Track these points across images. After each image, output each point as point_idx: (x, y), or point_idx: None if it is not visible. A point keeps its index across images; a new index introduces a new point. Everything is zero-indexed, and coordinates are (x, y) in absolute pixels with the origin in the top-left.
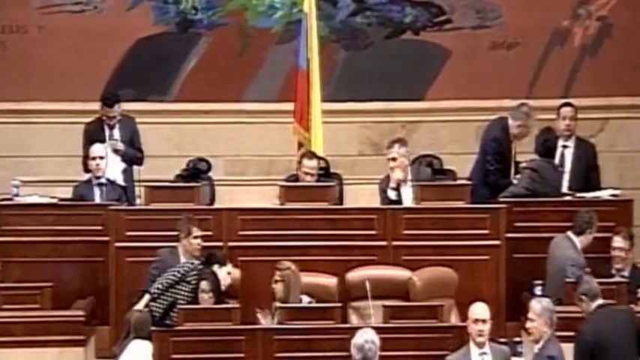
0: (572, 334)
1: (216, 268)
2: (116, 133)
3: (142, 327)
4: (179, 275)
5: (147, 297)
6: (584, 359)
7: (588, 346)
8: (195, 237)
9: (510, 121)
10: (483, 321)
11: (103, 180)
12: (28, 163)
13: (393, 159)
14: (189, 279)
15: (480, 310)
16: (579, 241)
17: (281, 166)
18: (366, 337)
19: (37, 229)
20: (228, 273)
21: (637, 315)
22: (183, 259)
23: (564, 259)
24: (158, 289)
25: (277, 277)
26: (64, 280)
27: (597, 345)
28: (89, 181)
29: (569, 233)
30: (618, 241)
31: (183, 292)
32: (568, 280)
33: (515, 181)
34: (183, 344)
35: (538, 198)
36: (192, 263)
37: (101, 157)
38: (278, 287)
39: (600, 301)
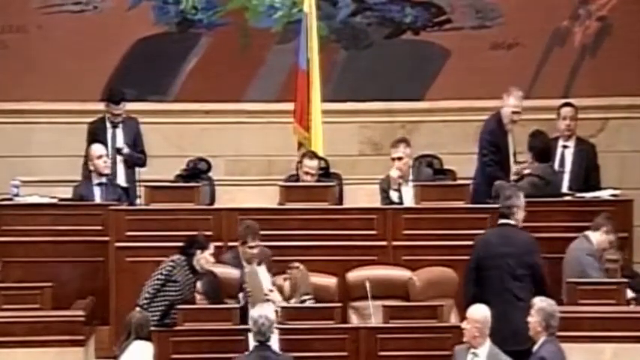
0: (572, 334)
1: (198, 253)
2: (119, 133)
3: (143, 328)
4: (163, 277)
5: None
6: (471, 263)
7: (475, 251)
8: (251, 247)
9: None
10: (467, 320)
11: (103, 180)
12: (28, 163)
13: (399, 158)
14: (174, 278)
15: (471, 308)
16: (594, 238)
17: (281, 166)
18: (260, 312)
19: (37, 229)
20: (211, 254)
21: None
22: (245, 263)
23: (579, 252)
24: (146, 298)
25: (285, 276)
26: (64, 280)
27: (483, 253)
28: (89, 180)
29: (587, 232)
30: (613, 254)
31: (173, 292)
32: (569, 280)
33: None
34: (183, 344)
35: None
36: (172, 261)
37: (106, 155)
38: (285, 285)
39: (504, 221)
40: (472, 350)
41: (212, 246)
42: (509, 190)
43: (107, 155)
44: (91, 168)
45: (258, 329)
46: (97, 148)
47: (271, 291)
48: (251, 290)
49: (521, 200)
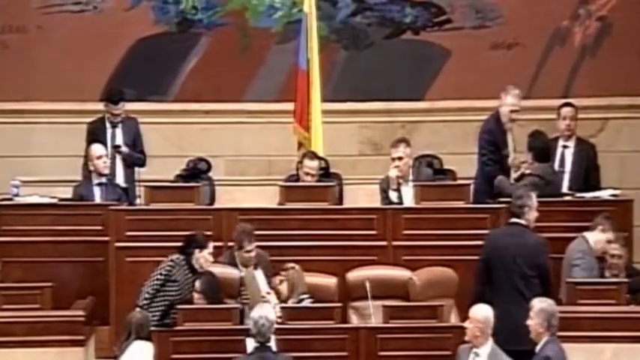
0: (571, 334)
1: (196, 252)
2: (118, 133)
3: (143, 328)
4: (162, 278)
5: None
6: (480, 262)
7: (485, 250)
8: (247, 251)
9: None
10: (469, 319)
11: (103, 180)
12: (28, 163)
13: (400, 158)
14: (173, 277)
15: (474, 308)
16: (591, 237)
17: (281, 166)
18: (260, 313)
19: (37, 229)
20: (210, 253)
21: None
22: (241, 267)
23: (572, 252)
24: (146, 299)
25: (281, 277)
26: (64, 280)
27: (491, 252)
28: (89, 180)
29: (584, 233)
30: (617, 249)
31: (173, 292)
32: (569, 280)
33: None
34: (183, 344)
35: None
36: (171, 260)
37: (105, 155)
38: (282, 287)
39: (515, 220)
40: (474, 350)
41: (211, 245)
42: (521, 190)
43: (107, 155)
44: (91, 168)
45: (259, 330)
46: (97, 149)
47: (268, 293)
48: (248, 294)
49: (532, 200)
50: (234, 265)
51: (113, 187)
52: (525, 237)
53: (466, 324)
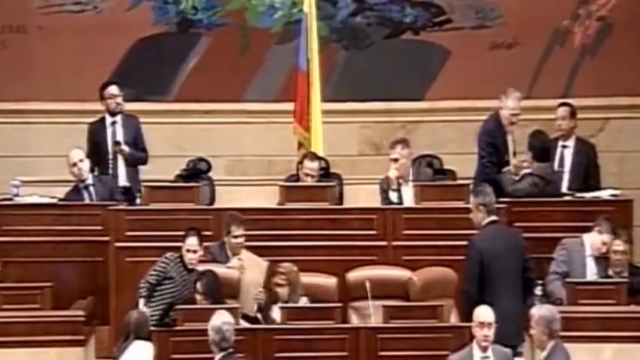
0: (572, 334)
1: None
2: (119, 131)
3: (142, 327)
4: (155, 274)
5: (142, 302)
6: (474, 267)
7: (479, 254)
8: (235, 236)
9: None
10: (488, 325)
11: (89, 181)
12: (28, 163)
13: (395, 160)
14: (169, 274)
15: (484, 313)
16: (588, 238)
17: (281, 166)
18: (223, 319)
19: (37, 229)
20: (187, 250)
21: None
22: (230, 254)
23: (559, 246)
24: (147, 289)
25: (281, 281)
26: (64, 280)
27: (487, 255)
28: (76, 186)
29: (584, 235)
30: (619, 245)
31: (170, 289)
32: (569, 280)
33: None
34: (183, 344)
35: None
36: (165, 257)
37: (81, 160)
38: (283, 291)
39: (493, 217)
40: (482, 355)
41: (189, 240)
42: (489, 187)
43: (82, 160)
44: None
45: (223, 336)
46: (72, 155)
47: (260, 292)
48: (244, 264)
49: None
50: (224, 252)
51: (101, 184)
52: (510, 232)
53: (485, 332)
